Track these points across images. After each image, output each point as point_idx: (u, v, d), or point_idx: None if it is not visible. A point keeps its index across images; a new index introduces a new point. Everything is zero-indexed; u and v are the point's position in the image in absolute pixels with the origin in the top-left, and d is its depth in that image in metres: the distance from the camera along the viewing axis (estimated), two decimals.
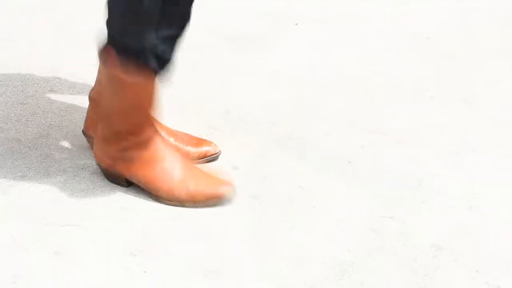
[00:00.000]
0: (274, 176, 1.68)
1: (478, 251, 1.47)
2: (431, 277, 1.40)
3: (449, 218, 1.57)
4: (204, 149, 1.70)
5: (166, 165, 1.55)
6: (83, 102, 1.97)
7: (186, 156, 1.65)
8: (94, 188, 1.60)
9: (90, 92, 1.70)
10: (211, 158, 1.69)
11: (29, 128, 1.83)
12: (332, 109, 1.98)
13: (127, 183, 1.59)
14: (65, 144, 1.77)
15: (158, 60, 1.49)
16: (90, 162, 1.69)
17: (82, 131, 1.72)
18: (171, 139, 1.67)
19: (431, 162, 1.76)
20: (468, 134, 1.89)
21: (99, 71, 1.65)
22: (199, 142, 1.71)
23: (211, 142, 1.71)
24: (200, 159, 1.68)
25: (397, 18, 2.60)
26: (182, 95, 1.98)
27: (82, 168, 1.67)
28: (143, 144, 1.56)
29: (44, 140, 1.78)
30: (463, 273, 1.41)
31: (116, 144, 1.56)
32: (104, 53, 1.51)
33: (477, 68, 2.25)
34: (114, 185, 1.61)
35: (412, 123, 1.93)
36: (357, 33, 2.46)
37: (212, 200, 1.55)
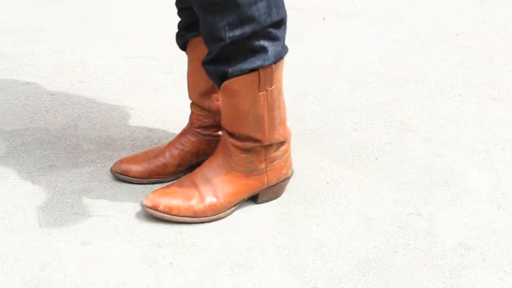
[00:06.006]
0: (302, 171, 1.68)
1: (507, 251, 1.46)
2: (458, 276, 1.39)
3: (477, 217, 1.55)
4: None
5: None
6: (111, 93, 1.99)
7: None
8: (121, 179, 1.61)
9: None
10: None
11: (58, 119, 1.84)
12: (360, 105, 1.97)
13: None
14: (93, 135, 1.78)
15: None
16: (118, 153, 1.70)
17: None
18: None
19: (459, 160, 1.75)
20: (497, 132, 1.87)
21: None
22: None
23: None
24: None
25: (426, 14, 2.58)
26: None
27: (109, 159, 1.68)
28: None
29: (73, 130, 1.79)
30: (490, 273, 1.40)
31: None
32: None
33: (507, 65, 2.22)
34: None
35: (440, 120, 1.91)
36: (385, 29, 2.44)
37: None
